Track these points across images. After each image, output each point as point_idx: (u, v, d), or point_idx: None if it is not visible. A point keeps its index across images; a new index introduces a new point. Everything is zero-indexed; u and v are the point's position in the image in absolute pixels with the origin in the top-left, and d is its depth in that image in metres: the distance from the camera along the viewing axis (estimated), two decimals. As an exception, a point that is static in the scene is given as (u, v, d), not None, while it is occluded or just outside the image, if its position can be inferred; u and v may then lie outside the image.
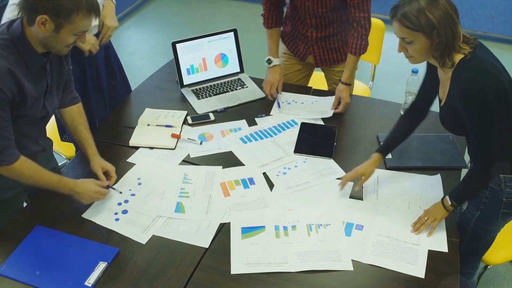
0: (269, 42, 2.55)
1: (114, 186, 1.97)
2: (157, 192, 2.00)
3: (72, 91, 2.01)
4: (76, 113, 2.03)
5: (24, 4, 1.58)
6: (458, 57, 1.62)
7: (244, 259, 1.73)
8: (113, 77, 2.57)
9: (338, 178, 2.05)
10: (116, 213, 1.90)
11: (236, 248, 1.77)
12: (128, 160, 2.15)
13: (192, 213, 1.91)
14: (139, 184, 2.03)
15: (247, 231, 1.84)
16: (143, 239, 1.81)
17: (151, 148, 2.21)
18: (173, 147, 2.21)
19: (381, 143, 2.06)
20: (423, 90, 1.91)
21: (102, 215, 1.88)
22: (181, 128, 2.32)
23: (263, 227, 1.84)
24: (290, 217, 1.87)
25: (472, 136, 1.66)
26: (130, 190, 2.00)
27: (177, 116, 2.39)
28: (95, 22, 2.31)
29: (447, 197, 1.79)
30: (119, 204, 1.94)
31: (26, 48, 1.65)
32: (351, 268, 1.69)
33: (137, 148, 2.22)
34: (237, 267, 1.71)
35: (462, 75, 1.60)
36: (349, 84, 2.44)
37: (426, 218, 1.81)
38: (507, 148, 1.69)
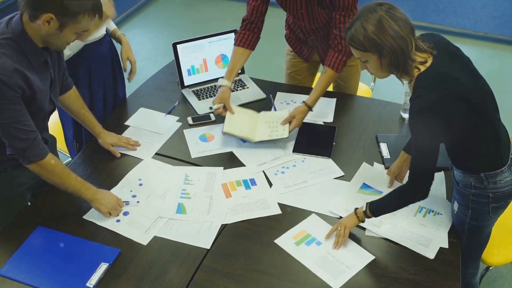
0: (229, 61, 2.38)
1: (129, 200, 1.96)
2: (158, 193, 2.00)
3: (67, 77, 2.04)
4: (74, 98, 2.09)
5: (29, 1, 1.59)
6: (416, 72, 1.64)
7: (347, 207, 1.87)
8: (118, 80, 2.58)
9: (336, 178, 2.06)
10: (117, 215, 1.90)
11: (347, 195, 1.93)
12: (129, 158, 2.16)
13: (193, 214, 1.91)
14: (140, 185, 2.04)
15: (366, 187, 1.97)
16: (144, 240, 1.81)
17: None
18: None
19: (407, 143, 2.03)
20: None
21: (103, 217, 1.88)
22: None
23: (381, 192, 1.95)
24: None
25: (413, 151, 1.67)
26: (131, 191, 2.00)
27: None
28: (101, 31, 2.33)
29: (364, 204, 1.77)
30: (120, 205, 1.95)
31: (28, 45, 1.66)
32: (432, 257, 1.73)
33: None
34: (338, 210, 1.88)
35: (412, 94, 1.63)
36: (311, 108, 2.26)
37: (339, 228, 1.79)
38: (482, 148, 1.71)
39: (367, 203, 1.77)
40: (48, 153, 1.77)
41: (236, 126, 2.21)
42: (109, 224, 1.86)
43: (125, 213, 1.91)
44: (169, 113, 2.44)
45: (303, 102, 2.26)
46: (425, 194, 1.69)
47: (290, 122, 2.25)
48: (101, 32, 2.34)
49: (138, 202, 1.95)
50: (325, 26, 2.36)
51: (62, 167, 1.82)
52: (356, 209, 1.80)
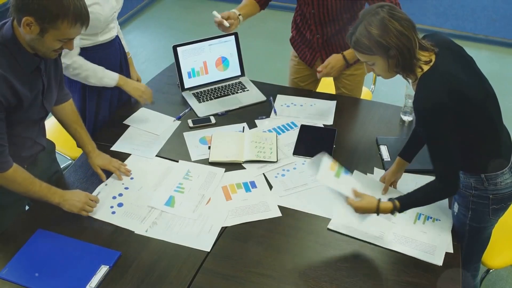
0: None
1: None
2: (150, 184, 2.04)
3: (63, 88, 2.00)
4: (69, 111, 2.04)
5: (14, 4, 1.58)
6: (419, 72, 1.64)
7: (345, 221, 1.83)
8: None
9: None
10: (112, 207, 1.93)
11: (342, 208, 1.83)
12: (130, 159, 2.16)
13: (180, 209, 1.93)
14: (132, 178, 2.07)
15: None
16: (141, 230, 1.83)
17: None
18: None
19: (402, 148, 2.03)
20: None
21: (98, 210, 1.91)
22: None
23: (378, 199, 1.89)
24: None
25: (429, 152, 1.67)
26: (123, 184, 2.04)
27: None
28: (112, 33, 2.32)
29: (389, 202, 1.72)
30: (114, 198, 1.97)
31: (18, 50, 1.65)
32: (440, 263, 1.72)
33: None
34: (335, 225, 1.84)
35: (417, 94, 1.64)
36: (348, 63, 2.36)
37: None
38: (482, 150, 1.72)
39: (394, 201, 1.72)
40: (11, 166, 1.73)
41: (222, 153, 2.19)
42: (104, 216, 1.89)
43: (120, 205, 1.94)
44: (178, 118, 2.43)
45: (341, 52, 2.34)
46: (456, 189, 1.69)
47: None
48: (111, 34, 2.33)
49: (127, 188, 1.99)
50: (333, 21, 2.35)
51: (25, 176, 1.77)
52: (379, 201, 1.73)
